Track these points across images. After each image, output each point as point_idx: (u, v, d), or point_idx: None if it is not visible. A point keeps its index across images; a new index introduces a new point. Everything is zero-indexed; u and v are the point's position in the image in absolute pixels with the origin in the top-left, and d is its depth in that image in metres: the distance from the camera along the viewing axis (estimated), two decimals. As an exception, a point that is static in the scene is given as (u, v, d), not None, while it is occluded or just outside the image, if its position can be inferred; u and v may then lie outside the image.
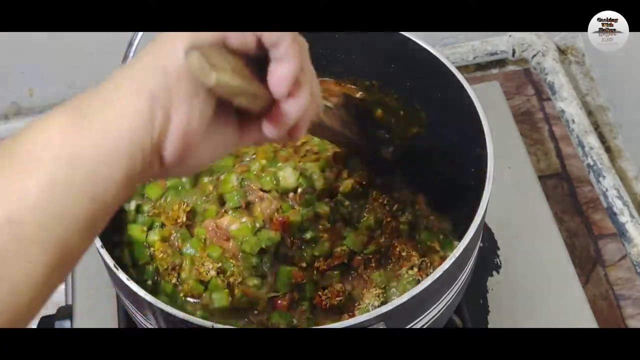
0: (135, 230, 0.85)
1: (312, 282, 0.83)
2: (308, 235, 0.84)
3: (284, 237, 0.83)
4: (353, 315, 0.81)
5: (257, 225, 0.83)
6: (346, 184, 0.88)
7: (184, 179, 0.86)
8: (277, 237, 0.83)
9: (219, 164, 0.87)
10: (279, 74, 0.53)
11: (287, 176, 0.86)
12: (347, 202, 0.88)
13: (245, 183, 0.86)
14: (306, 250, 0.84)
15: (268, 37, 0.53)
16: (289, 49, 0.53)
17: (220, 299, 0.81)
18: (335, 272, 0.84)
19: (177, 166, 0.53)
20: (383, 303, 0.81)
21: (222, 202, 0.86)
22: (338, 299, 0.82)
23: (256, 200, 0.84)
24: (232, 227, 0.83)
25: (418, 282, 0.82)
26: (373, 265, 0.85)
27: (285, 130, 0.56)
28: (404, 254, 0.85)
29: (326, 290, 0.83)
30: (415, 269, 0.84)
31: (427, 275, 0.81)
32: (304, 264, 0.83)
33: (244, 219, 0.83)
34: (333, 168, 0.89)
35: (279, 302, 0.81)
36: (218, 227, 0.83)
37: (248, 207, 0.84)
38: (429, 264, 0.85)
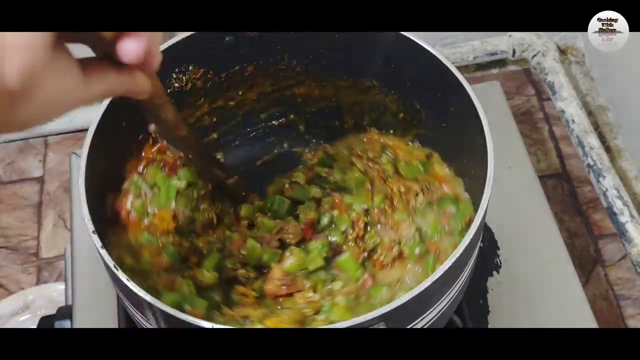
0: (233, 324, 0.83)
1: (361, 254, 0.88)
2: (325, 220, 0.91)
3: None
4: (404, 257, 0.86)
5: (293, 248, 0.87)
6: (318, 156, 0.97)
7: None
8: (325, 245, 0.88)
9: (213, 260, 0.86)
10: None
11: (285, 202, 0.92)
12: (325, 170, 0.95)
13: (258, 237, 0.89)
14: (333, 234, 0.90)
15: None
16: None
17: (340, 315, 0.83)
18: (372, 232, 0.89)
19: (23, 97, 0.49)
20: (418, 228, 0.87)
21: (257, 267, 0.87)
22: (394, 251, 0.87)
23: (283, 236, 0.88)
24: (286, 266, 0.86)
25: (429, 203, 0.88)
26: (389, 211, 0.90)
27: (142, 47, 0.54)
28: (402, 189, 0.90)
29: (378, 251, 0.87)
30: (421, 195, 0.89)
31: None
32: (344, 247, 0.89)
33: (287, 255, 0.86)
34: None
35: (367, 284, 0.85)
36: (279, 278, 0.85)
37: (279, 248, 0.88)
38: (428, 186, 0.90)
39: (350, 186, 0.94)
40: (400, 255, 0.87)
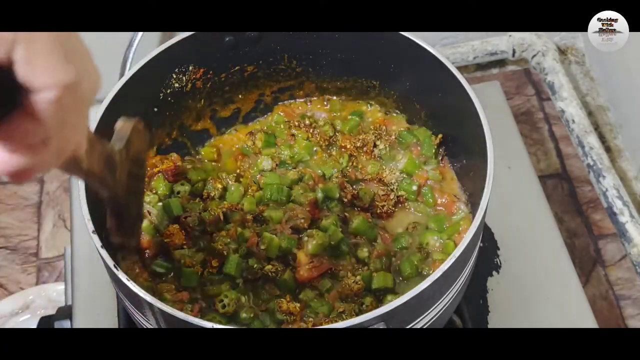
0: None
1: (363, 210, 0.92)
2: (320, 195, 0.91)
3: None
4: (403, 201, 0.93)
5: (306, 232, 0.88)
6: (260, 138, 0.98)
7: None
8: (336, 218, 0.89)
9: (233, 262, 0.85)
10: (20, 132, 0.43)
11: (284, 190, 0.92)
12: (272, 150, 0.97)
13: (271, 230, 0.88)
14: (332, 205, 0.92)
15: (29, 74, 0.42)
16: (51, 105, 0.44)
17: (383, 280, 0.86)
18: (362, 189, 0.93)
19: None
20: (400, 171, 0.94)
21: (280, 259, 0.87)
22: (391, 198, 0.92)
23: (296, 222, 0.88)
24: (311, 248, 0.86)
25: (391, 147, 0.96)
26: (360, 167, 0.95)
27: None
28: (358, 144, 0.96)
29: (377, 203, 0.92)
30: (379, 143, 0.96)
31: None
32: (347, 214, 0.91)
33: (306, 239, 0.87)
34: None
35: (386, 240, 0.90)
36: (307, 263, 0.85)
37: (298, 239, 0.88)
38: (380, 133, 0.96)
39: (305, 156, 0.96)
40: (399, 200, 0.93)
